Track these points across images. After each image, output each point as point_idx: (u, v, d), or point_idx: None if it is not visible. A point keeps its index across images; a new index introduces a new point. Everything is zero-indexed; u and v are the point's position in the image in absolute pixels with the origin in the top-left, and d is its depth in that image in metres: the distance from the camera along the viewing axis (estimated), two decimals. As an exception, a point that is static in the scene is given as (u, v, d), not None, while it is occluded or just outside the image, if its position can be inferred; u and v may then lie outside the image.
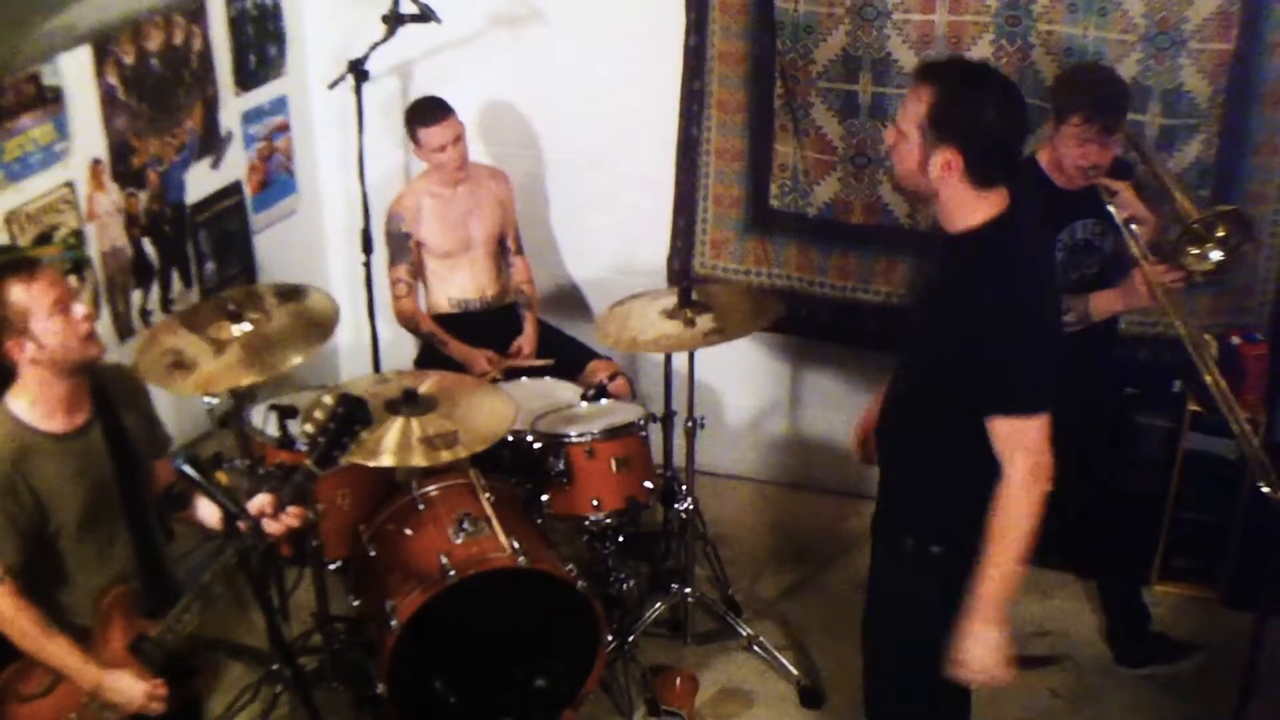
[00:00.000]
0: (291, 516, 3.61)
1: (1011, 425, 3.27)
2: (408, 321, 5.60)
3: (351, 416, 3.62)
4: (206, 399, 4.45)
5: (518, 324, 5.79)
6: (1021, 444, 3.27)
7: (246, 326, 4.44)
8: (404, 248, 5.53)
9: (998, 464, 3.28)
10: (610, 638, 4.64)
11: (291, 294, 4.78)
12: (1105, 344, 4.83)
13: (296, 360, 4.42)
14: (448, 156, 5.40)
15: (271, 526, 3.56)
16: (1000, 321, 3.24)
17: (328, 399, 3.70)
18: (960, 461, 3.40)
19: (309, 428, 3.64)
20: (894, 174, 3.45)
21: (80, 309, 3.48)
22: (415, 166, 6.11)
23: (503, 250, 5.82)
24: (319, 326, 4.59)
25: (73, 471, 3.54)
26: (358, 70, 5.37)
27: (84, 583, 3.60)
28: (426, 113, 5.39)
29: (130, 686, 3.52)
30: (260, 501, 3.58)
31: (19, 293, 3.40)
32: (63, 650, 3.51)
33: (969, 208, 3.28)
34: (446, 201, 5.54)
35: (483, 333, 5.57)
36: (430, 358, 5.49)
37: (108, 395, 3.68)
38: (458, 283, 5.66)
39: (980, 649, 3.36)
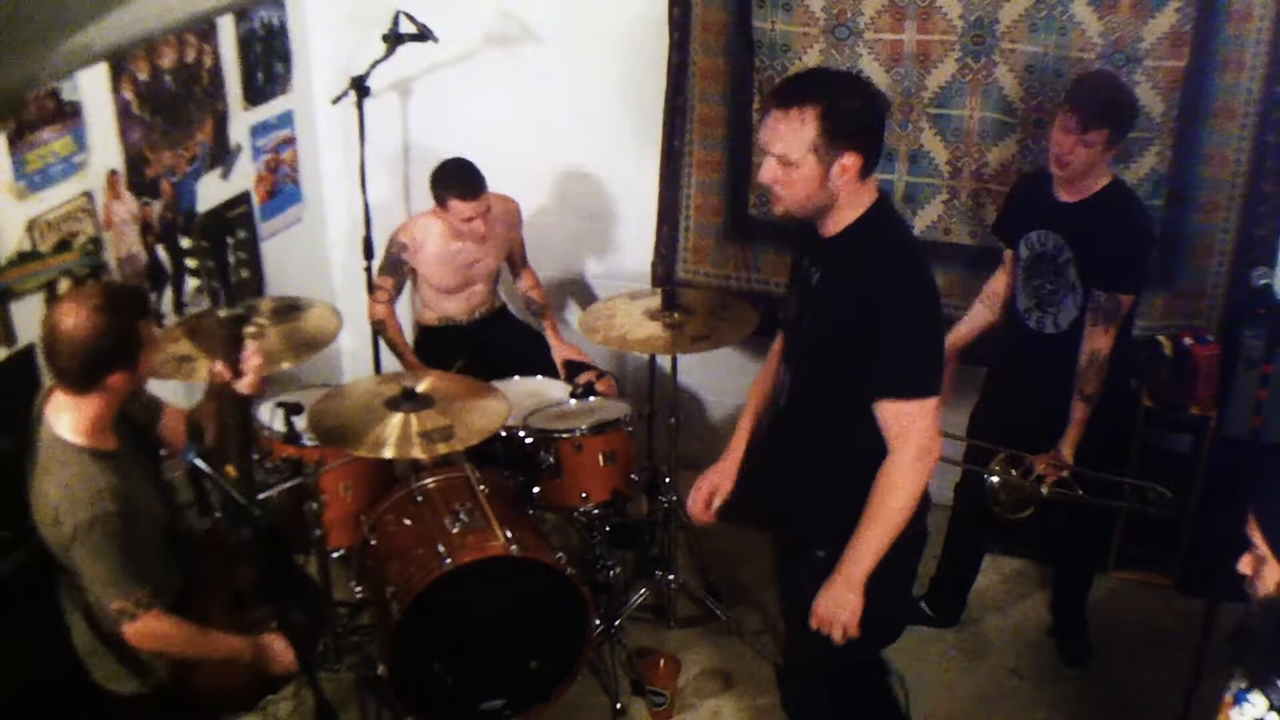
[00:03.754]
0: (245, 362, 3.60)
1: (900, 409, 3.27)
2: (377, 324, 5.59)
3: (216, 234, 3.57)
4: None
5: (503, 331, 5.82)
6: (912, 428, 3.27)
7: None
8: (398, 270, 5.51)
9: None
10: (598, 622, 4.66)
11: (288, 310, 4.81)
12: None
13: (286, 366, 4.48)
14: (472, 227, 5.33)
15: (243, 382, 3.58)
16: (893, 302, 3.23)
17: (188, 246, 3.53)
18: (867, 466, 3.36)
19: (194, 282, 3.67)
20: (785, 207, 3.30)
21: (160, 338, 3.55)
22: (414, 175, 6.13)
23: (509, 266, 5.83)
24: (311, 343, 4.63)
25: (139, 479, 3.58)
26: (359, 86, 5.39)
27: (174, 573, 3.65)
28: (462, 186, 5.28)
29: (282, 648, 3.63)
30: (217, 369, 3.59)
31: (143, 326, 3.46)
32: (221, 640, 3.63)
33: (856, 202, 3.29)
34: (454, 251, 5.50)
35: (466, 342, 5.55)
36: (429, 358, 5.49)
37: (131, 413, 3.73)
38: (449, 308, 5.67)
39: (841, 610, 3.38)
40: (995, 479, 4.68)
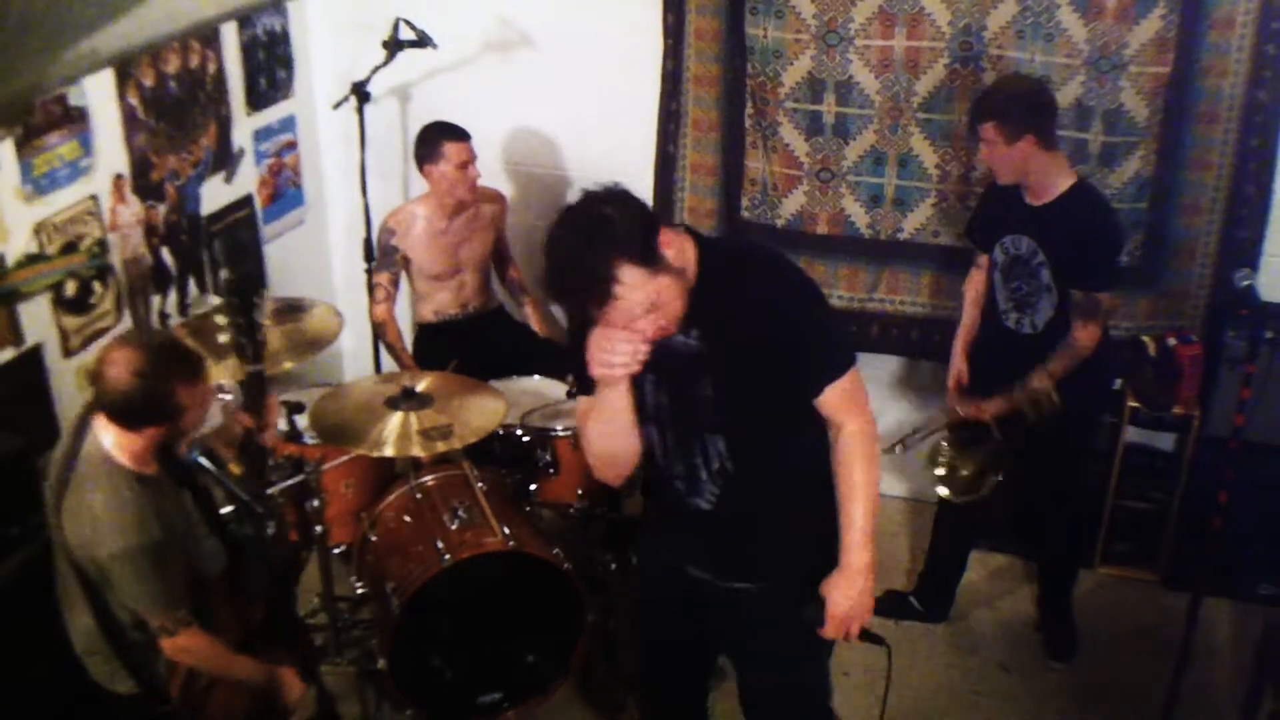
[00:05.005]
0: (269, 413, 3.76)
1: (843, 384, 3.22)
2: (377, 326, 5.60)
3: (245, 295, 3.66)
4: (220, 395, 4.47)
5: (499, 329, 5.83)
6: (857, 395, 3.26)
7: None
8: (390, 259, 5.53)
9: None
10: (593, 616, 4.66)
11: (290, 311, 4.81)
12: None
13: (288, 366, 4.49)
14: (465, 174, 5.39)
15: (265, 435, 3.72)
16: (795, 301, 3.19)
17: (217, 303, 3.72)
18: (812, 481, 3.35)
19: (224, 338, 3.70)
20: None
21: (210, 395, 3.58)
22: (413, 179, 6.13)
23: (495, 261, 5.85)
24: (312, 343, 4.64)
25: (174, 503, 3.59)
26: (360, 92, 5.39)
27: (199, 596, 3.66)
28: (453, 129, 5.38)
29: (293, 681, 3.68)
30: (242, 419, 3.69)
31: (183, 393, 3.44)
32: (244, 664, 3.65)
33: (685, 259, 3.14)
34: (440, 231, 5.53)
35: (464, 340, 5.57)
36: (428, 356, 5.50)
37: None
38: (442, 299, 5.67)
39: (862, 599, 3.33)
40: (940, 470, 4.82)
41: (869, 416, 3.30)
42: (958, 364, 4.98)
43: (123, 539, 3.38)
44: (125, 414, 3.41)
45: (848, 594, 3.32)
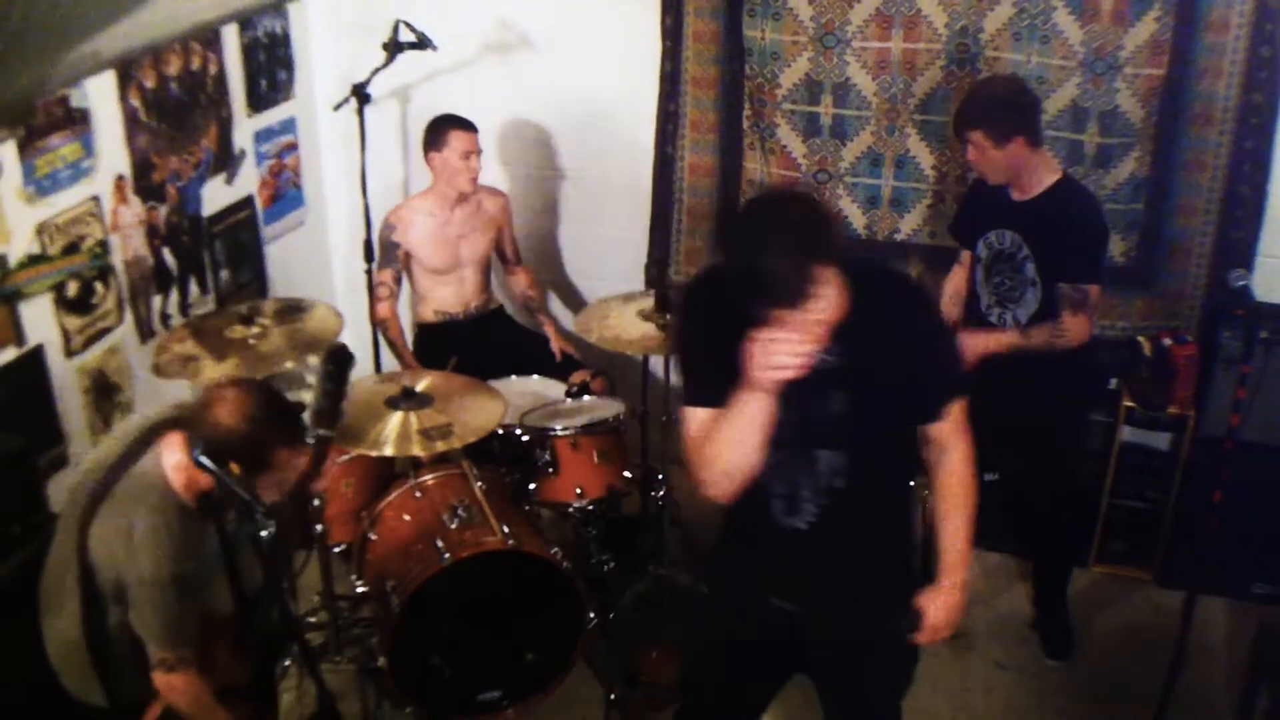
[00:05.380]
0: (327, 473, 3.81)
1: (961, 405, 3.25)
2: (380, 324, 5.61)
3: (343, 365, 3.70)
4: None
5: (500, 331, 5.83)
6: (964, 422, 3.26)
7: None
8: (392, 255, 5.54)
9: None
10: (592, 615, 4.66)
11: (291, 311, 4.82)
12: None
13: (289, 366, 4.50)
14: (468, 164, 5.42)
15: (319, 483, 3.82)
16: (940, 320, 3.23)
17: (317, 364, 3.72)
18: (907, 494, 3.40)
19: (308, 398, 3.69)
20: None
21: (298, 470, 3.58)
22: (414, 180, 6.14)
23: (501, 262, 5.86)
24: (313, 343, 4.65)
25: (206, 540, 3.55)
26: (360, 93, 5.39)
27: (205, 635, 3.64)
28: (462, 120, 5.44)
29: None
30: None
31: (280, 453, 3.47)
32: (224, 717, 3.58)
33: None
34: (441, 224, 5.54)
35: (465, 340, 5.56)
36: (428, 355, 5.50)
37: None
38: (443, 296, 5.67)
39: (955, 612, 3.37)
40: None
41: (971, 440, 3.31)
42: None
43: (154, 568, 3.36)
44: (213, 450, 3.32)
45: (945, 607, 3.36)
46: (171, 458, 3.47)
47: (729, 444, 3.09)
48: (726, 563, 3.54)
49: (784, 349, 2.88)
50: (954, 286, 4.99)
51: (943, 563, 3.36)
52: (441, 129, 5.43)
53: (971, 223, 4.82)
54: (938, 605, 3.36)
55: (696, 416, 3.18)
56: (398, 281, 5.59)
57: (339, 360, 3.71)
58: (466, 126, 5.43)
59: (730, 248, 2.95)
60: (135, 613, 3.43)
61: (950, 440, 3.28)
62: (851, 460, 3.17)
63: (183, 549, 3.41)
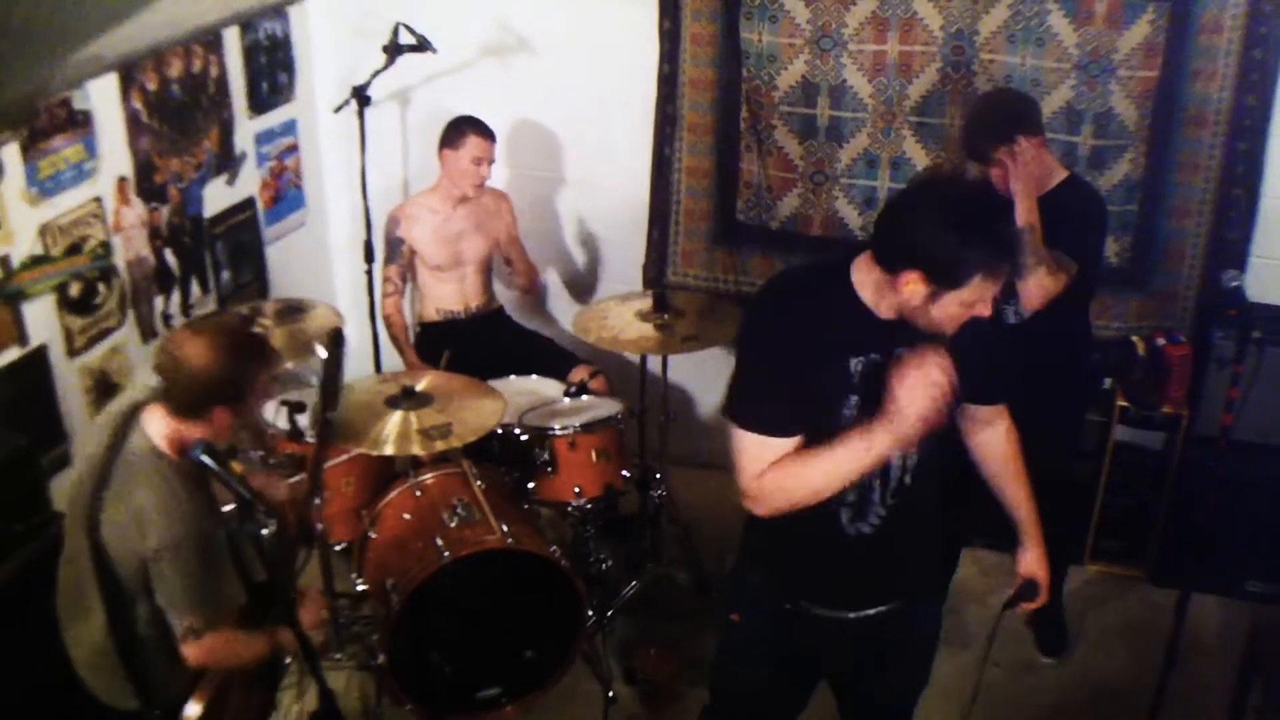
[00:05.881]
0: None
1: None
2: (386, 319, 5.64)
3: (337, 349, 3.73)
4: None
5: (499, 330, 5.84)
6: None
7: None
8: (397, 251, 5.55)
9: None
10: (591, 613, 4.66)
11: (292, 311, 4.83)
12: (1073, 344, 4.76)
13: (290, 366, 4.51)
14: (477, 170, 5.43)
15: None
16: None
17: (320, 350, 3.74)
18: (946, 502, 3.36)
19: (314, 379, 3.74)
20: None
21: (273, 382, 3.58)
22: (414, 181, 6.15)
23: (505, 264, 5.86)
24: (314, 343, 4.65)
25: (211, 503, 3.58)
26: (360, 96, 5.40)
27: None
28: (482, 125, 5.43)
29: (287, 636, 3.54)
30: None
31: (256, 371, 3.47)
32: (258, 643, 3.58)
33: None
34: (444, 220, 5.55)
35: (466, 339, 5.55)
36: (429, 356, 5.51)
37: None
38: (445, 294, 5.67)
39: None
40: None
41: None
42: None
43: (169, 532, 3.35)
44: (199, 397, 3.39)
45: (1044, 565, 3.43)
46: (156, 427, 3.46)
47: (819, 481, 2.94)
48: (762, 576, 3.34)
49: (940, 373, 2.79)
50: None
51: (1024, 529, 3.42)
52: (461, 129, 5.42)
53: None
54: (1040, 565, 3.41)
55: (760, 445, 2.96)
56: (403, 278, 5.60)
57: (339, 343, 3.74)
58: (486, 134, 5.42)
59: (956, 219, 2.75)
60: (159, 586, 3.40)
61: (996, 416, 3.33)
62: (922, 456, 3.10)
63: (190, 510, 3.41)
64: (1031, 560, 3.40)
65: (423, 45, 5.36)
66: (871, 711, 3.63)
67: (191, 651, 3.45)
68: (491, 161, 5.48)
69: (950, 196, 2.81)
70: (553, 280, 6.34)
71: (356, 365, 6.43)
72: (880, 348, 2.92)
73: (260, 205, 5.82)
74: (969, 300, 2.81)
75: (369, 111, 5.46)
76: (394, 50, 5.36)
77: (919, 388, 2.77)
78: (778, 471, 2.94)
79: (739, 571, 3.40)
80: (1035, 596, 3.38)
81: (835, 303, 2.96)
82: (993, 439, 3.34)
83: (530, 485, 4.92)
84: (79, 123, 4.51)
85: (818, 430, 2.93)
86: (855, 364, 2.92)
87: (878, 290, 2.91)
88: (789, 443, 2.94)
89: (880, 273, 2.88)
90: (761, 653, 3.42)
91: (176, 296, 5.19)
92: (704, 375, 6.04)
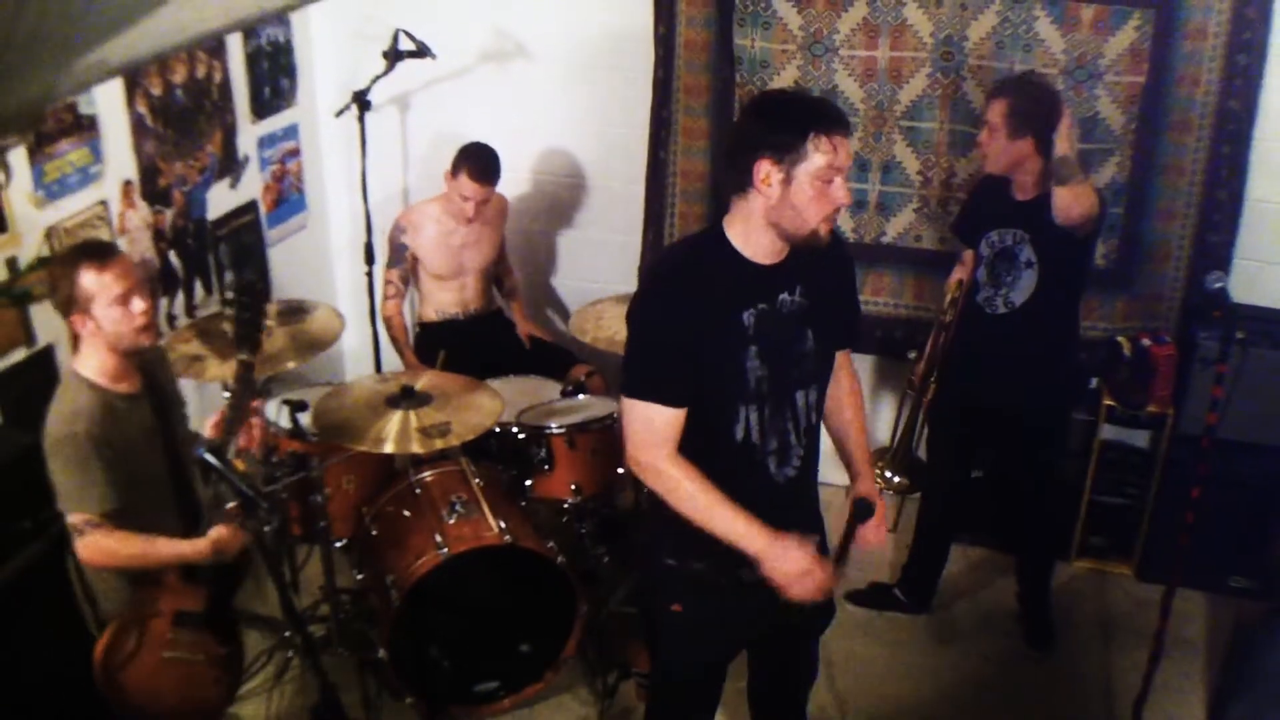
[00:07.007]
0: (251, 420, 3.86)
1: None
2: (386, 321, 5.65)
3: (251, 296, 3.86)
4: (226, 392, 4.49)
5: (498, 331, 5.84)
6: None
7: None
8: (401, 256, 5.56)
9: None
10: (586, 608, 4.68)
11: (294, 313, 4.84)
12: (1060, 342, 4.79)
13: (291, 365, 4.52)
14: (464, 208, 5.41)
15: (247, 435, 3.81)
16: (848, 251, 3.50)
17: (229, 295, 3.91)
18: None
19: (227, 326, 3.78)
20: None
21: (140, 304, 3.58)
22: (413, 186, 6.16)
23: (500, 270, 5.89)
24: (315, 344, 4.67)
25: (138, 429, 3.65)
26: (361, 100, 5.41)
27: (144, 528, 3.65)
28: (482, 169, 5.37)
29: (229, 534, 3.62)
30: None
31: (89, 278, 3.52)
32: (167, 545, 3.62)
33: None
34: (448, 232, 5.55)
35: (464, 340, 5.59)
36: (428, 356, 5.51)
37: (150, 367, 3.82)
38: (444, 299, 5.69)
39: None
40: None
41: None
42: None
43: (50, 431, 3.50)
44: (60, 308, 3.58)
45: (874, 486, 3.48)
46: (81, 358, 3.65)
47: (697, 513, 3.14)
48: (706, 560, 3.28)
49: (814, 574, 3.14)
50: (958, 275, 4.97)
51: (858, 459, 3.50)
52: (460, 164, 5.37)
53: (975, 221, 4.79)
54: (871, 487, 3.46)
55: (653, 414, 3.08)
56: (405, 282, 5.61)
57: (248, 290, 3.87)
58: (481, 177, 5.36)
59: (769, 97, 3.24)
60: (54, 486, 3.54)
61: (844, 359, 3.48)
62: (819, 394, 3.28)
63: (76, 413, 3.52)
64: (862, 484, 3.46)
65: (422, 51, 5.37)
66: (794, 669, 3.82)
67: (81, 551, 3.56)
68: (485, 201, 5.44)
69: (757, 96, 3.01)
70: (550, 281, 6.35)
71: (356, 365, 6.46)
72: (766, 297, 3.10)
73: (262, 208, 5.82)
74: (820, 171, 2.93)
75: (369, 116, 5.47)
76: (394, 56, 5.37)
77: (796, 587, 3.12)
78: (685, 474, 3.11)
79: (675, 564, 3.35)
80: (871, 513, 3.38)
81: (717, 264, 3.10)
82: (841, 379, 3.47)
83: (528, 483, 4.93)
84: (85, 127, 4.52)
85: (724, 386, 3.10)
86: (748, 316, 3.08)
87: (747, 226, 3.07)
88: (678, 413, 3.08)
89: (743, 200, 3.05)
90: (709, 633, 3.47)
91: (181, 298, 5.19)
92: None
